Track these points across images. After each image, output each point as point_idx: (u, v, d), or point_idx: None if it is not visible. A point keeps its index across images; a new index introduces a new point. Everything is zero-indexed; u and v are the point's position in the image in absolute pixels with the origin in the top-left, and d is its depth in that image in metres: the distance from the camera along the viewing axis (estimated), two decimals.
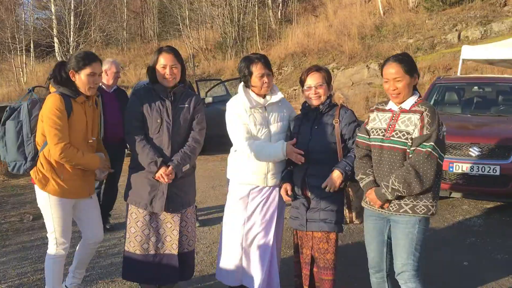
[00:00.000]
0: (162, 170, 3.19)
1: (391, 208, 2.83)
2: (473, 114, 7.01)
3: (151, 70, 3.33)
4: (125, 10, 39.96)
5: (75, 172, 3.18)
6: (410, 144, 2.75)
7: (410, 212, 2.77)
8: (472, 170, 5.55)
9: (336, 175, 3.08)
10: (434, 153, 2.68)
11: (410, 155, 2.75)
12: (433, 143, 2.67)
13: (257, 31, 27.45)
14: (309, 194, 3.21)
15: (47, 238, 4.97)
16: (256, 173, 3.38)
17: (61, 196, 3.15)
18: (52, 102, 3.04)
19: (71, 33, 25.65)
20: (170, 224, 3.38)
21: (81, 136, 3.17)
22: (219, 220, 5.63)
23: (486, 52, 10.31)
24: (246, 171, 3.41)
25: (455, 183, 5.67)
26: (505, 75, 9.58)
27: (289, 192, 3.24)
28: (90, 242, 3.45)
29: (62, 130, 3.03)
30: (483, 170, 5.53)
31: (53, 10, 26.42)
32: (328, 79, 3.28)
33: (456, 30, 19.10)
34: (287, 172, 3.35)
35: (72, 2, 25.99)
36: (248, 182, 3.42)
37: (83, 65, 3.12)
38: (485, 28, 18.41)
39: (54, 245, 3.27)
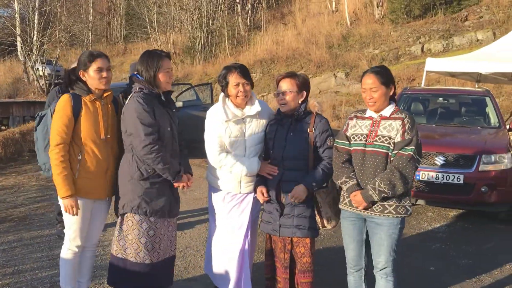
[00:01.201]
0: (185, 180, 3.28)
1: (375, 209, 3.00)
2: (438, 124, 7.26)
3: (154, 76, 3.19)
4: (91, 10, 39.28)
5: (92, 170, 3.16)
6: (392, 148, 2.94)
7: (394, 212, 2.96)
8: (437, 178, 5.75)
9: (302, 190, 3.16)
10: (414, 156, 2.89)
11: (392, 158, 2.93)
12: (414, 147, 2.90)
13: (226, 36, 27.51)
14: (283, 199, 3.27)
15: (13, 242, 4.95)
16: (230, 181, 3.45)
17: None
18: (60, 105, 3.12)
19: (35, 32, 25.00)
20: (171, 226, 3.41)
21: (92, 132, 3.14)
22: (190, 225, 5.65)
23: (449, 64, 10.69)
24: (222, 178, 3.47)
25: (420, 191, 5.87)
26: (467, 87, 9.95)
27: (265, 194, 3.29)
28: (86, 245, 3.37)
29: (63, 133, 3.06)
30: (447, 179, 5.73)
31: (16, 8, 25.71)
32: (302, 86, 3.31)
33: (420, 42, 19.72)
34: (261, 177, 3.40)
35: (37, 1, 25.38)
36: (223, 188, 3.49)
37: (89, 62, 3.17)
38: (447, 42, 19.10)
39: (68, 242, 3.29)
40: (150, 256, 3.24)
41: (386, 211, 2.97)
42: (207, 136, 3.43)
